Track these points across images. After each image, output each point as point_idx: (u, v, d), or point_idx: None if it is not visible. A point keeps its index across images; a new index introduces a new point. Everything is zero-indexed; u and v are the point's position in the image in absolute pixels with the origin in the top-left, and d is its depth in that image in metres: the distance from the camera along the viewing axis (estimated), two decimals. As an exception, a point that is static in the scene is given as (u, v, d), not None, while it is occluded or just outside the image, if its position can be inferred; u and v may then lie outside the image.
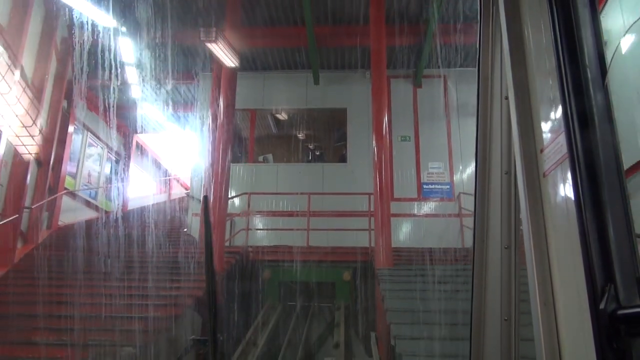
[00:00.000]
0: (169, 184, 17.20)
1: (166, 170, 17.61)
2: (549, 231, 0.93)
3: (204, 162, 8.86)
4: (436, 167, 10.16)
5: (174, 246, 8.03)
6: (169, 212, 12.69)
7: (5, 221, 7.06)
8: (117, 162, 13.84)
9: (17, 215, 7.34)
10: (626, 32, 4.99)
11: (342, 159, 11.17)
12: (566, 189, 0.85)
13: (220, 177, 7.53)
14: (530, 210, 0.96)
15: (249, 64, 10.39)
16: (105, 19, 7.37)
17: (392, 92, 10.50)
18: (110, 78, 8.30)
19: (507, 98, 1.18)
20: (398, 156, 9.91)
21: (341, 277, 8.37)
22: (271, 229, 9.33)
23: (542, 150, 0.97)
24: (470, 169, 10.02)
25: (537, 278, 0.92)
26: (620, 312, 0.68)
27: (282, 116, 11.91)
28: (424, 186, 10.09)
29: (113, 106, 10.38)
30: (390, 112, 10.12)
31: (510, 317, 1.22)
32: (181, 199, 14.45)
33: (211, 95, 9.53)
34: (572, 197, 0.79)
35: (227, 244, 8.58)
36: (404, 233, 9.44)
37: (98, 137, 12.49)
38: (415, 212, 9.79)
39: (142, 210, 11.44)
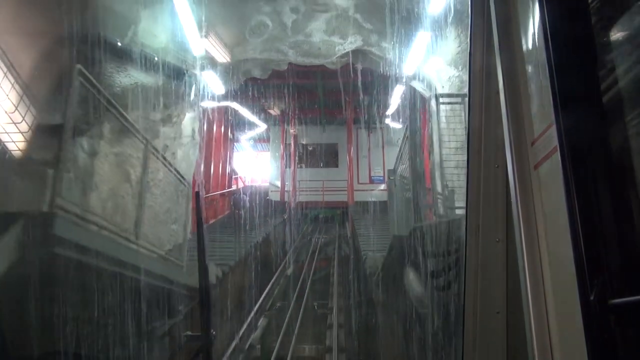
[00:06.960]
0: (237, 179, 29.64)
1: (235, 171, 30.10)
2: (540, 224, 0.94)
3: (280, 168, 21.41)
4: (377, 169, 22.77)
5: (269, 201, 20.49)
6: (255, 191, 25.19)
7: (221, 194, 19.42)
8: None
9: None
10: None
11: (336, 165, 23.74)
12: (556, 181, 0.84)
13: (293, 174, 20.03)
14: (521, 202, 0.97)
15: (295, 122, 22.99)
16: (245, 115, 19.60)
17: (359, 135, 23.13)
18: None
19: (498, 92, 1.19)
20: (361, 165, 22.61)
21: (336, 213, 20.92)
22: (306, 194, 21.74)
23: (532, 143, 0.97)
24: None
25: (529, 270, 0.93)
26: (610, 303, 0.70)
27: (309, 147, 24.61)
28: (373, 178, 22.67)
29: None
30: (358, 144, 22.85)
31: (502, 309, 1.24)
32: (259, 186, 26.90)
33: (281, 137, 22.13)
34: (563, 189, 0.79)
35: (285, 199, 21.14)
36: (362, 196, 22.04)
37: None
38: (368, 189, 22.38)
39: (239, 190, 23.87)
